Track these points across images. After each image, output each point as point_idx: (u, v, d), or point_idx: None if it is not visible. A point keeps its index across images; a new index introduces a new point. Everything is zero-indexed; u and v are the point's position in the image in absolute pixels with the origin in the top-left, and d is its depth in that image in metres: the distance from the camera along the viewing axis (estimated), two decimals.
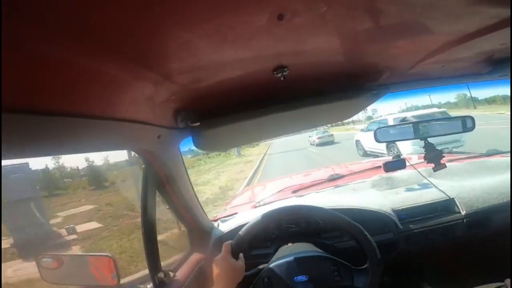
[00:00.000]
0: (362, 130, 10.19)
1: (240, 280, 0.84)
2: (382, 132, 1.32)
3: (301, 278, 0.87)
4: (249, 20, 0.44)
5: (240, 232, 0.91)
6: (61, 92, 0.43)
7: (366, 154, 9.42)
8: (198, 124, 0.86)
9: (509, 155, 1.47)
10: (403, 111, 9.58)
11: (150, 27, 0.39)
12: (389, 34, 0.62)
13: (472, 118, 1.27)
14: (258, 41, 0.52)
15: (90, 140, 0.56)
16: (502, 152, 1.57)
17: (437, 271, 1.04)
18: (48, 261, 0.92)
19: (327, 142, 17.36)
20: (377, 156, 8.26)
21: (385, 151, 8.09)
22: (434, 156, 1.26)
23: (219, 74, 0.66)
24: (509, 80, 1.08)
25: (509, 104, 8.67)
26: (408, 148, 6.85)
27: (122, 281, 0.98)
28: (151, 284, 0.92)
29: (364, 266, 0.87)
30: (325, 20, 0.49)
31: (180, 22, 0.40)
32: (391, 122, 7.79)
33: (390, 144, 7.58)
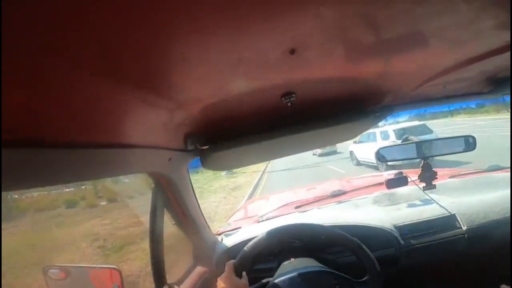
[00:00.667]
0: (354, 142, 10.52)
1: None
2: (386, 152, 1.35)
3: None
4: (263, 54, 0.47)
5: (243, 250, 0.94)
6: (75, 124, 0.43)
7: (359, 164, 10.12)
8: (207, 147, 0.90)
9: (509, 171, 1.49)
10: (383, 124, 10.03)
11: (167, 61, 0.41)
12: (393, 59, 0.65)
13: (473, 138, 1.29)
14: (270, 72, 0.55)
15: (104, 168, 0.56)
16: (503, 168, 1.59)
17: (438, 286, 1.04)
18: (55, 272, 0.93)
19: (330, 152, 17.21)
20: (369, 166, 9.21)
21: (374, 161, 8.40)
22: (428, 176, 1.30)
23: (229, 101, 0.69)
24: (510, 97, 1.11)
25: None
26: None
27: None
28: None
29: (364, 279, 0.89)
30: (334, 51, 0.52)
31: (195, 56, 0.42)
32: (388, 136, 8.29)
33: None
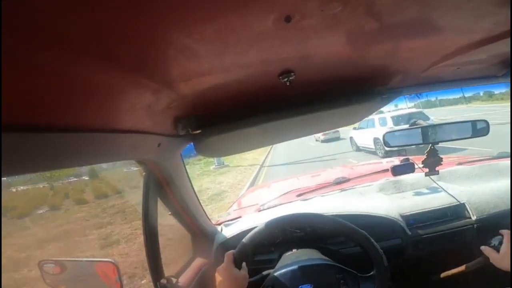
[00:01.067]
0: (354, 128, 10.75)
1: None
2: (391, 136, 1.29)
3: (306, 286, 0.85)
4: (254, 23, 0.41)
5: (243, 241, 0.90)
6: (55, 106, 0.41)
7: (358, 149, 10.38)
8: (199, 131, 0.84)
9: None
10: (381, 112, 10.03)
11: (146, 33, 0.37)
12: (404, 36, 0.59)
13: (486, 122, 1.22)
14: (263, 45, 0.49)
15: (88, 153, 0.54)
16: None
17: (445, 278, 1.00)
18: (50, 266, 0.92)
19: (333, 138, 16.94)
20: (368, 152, 9.40)
21: (373, 146, 8.84)
22: (432, 162, 1.24)
23: (221, 80, 0.64)
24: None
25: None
26: None
27: None
28: None
29: (371, 274, 0.85)
30: (336, 21, 0.46)
31: (178, 27, 0.38)
32: (386, 122, 8.46)
33: (377, 140, 8.40)
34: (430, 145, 1.21)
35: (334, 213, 1.12)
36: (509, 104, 10.56)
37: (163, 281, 0.92)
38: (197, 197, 1.19)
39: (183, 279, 1.00)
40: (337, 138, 16.80)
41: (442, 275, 0.98)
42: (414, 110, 9.75)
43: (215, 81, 0.63)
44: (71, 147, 0.48)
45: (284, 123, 0.90)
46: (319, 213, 1.03)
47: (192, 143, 0.95)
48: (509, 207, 1.09)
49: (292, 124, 0.94)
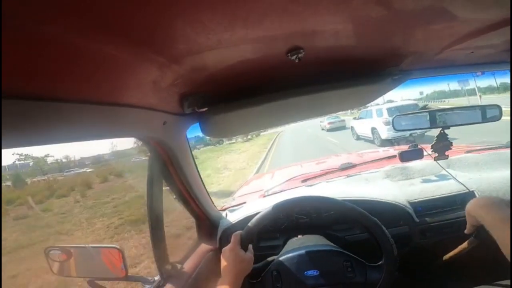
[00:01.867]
0: (354, 118, 12.00)
1: (249, 272, 0.82)
2: (399, 121, 1.25)
3: (312, 272, 0.84)
4: None
5: (250, 223, 0.88)
6: (60, 76, 0.41)
7: (358, 138, 11.10)
8: (205, 109, 0.81)
9: None
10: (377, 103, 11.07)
11: (153, 4, 0.35)
12: (418, 17, 0.56)
13: (498, 107, 1.17)
14: (272, 19, 0.48)
15: (92, 126, 0.54)
16: None
17: (450, 265, 0.99)
18: (57, 253, 0.93)
19: (338, 127, 17.26)
20: (367, 140, 10.10)
21: (371, 135, 9.65)
22: (441, 146, 1.20)
23: (228, 56, 0.61)
24: None
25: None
26: (384, 133, 8.67)
27: None
28: (158, 276, 0.92)
29: (379, 263, 0.83)
30: None
31: (186, 1, 0.36)
32: (382, 114, 9.05)
33: (374, 129, 9.34)
34: (440, 129, 1.17)
35: (340, 198, 1.10)
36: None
37: (168, 266, 0.93)
38: (202, 181, 1.17)
39: (187, 265, 1.00)
40: (343, 127, 16.97)
41: (445, 257, 0.97)
42: (409, 102, 10.36)
43: (222, 56, 0.61)
44: (72, 119, 0.47)
45: (292, 102, 0.87)
46: (328, 196, 1.00)
47: (198, 124, 0.93)
48: None
49: (300, 104, 0.91)
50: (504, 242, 0.62)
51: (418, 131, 7.31)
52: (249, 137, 27.92)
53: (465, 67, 1.03)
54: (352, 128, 12.01)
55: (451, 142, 1.16)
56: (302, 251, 0.89)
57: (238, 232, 0.87)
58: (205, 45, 0.53)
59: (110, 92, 0.53)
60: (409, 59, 0.84)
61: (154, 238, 0.91)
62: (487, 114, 1.19)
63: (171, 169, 0.96)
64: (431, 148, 1.20)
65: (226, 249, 0.83)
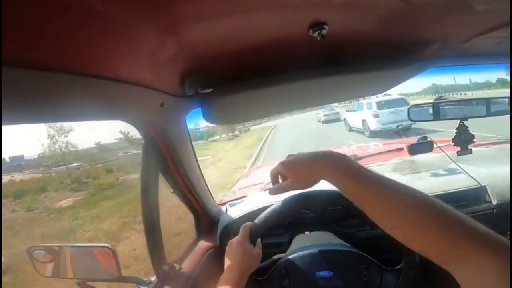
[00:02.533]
0: (347, 110, 12.95)
1: (254, 269, 0.74)
2: (415, 112, 1.20)
3: (325, 273, 0.78)
4: None
5: (261, 216, 0.80)
6: (35, 40, 0.33)
7: (351, 129, 11.79)
8: (209, 90, 0.72)
9: None
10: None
11: None
12: (446, 3, 0.53)
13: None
14: None
15: (79, 101, 0.44)
16: None
17: None
18: (41, 253, 0.84)
19: (333, 119, 18.05)
20: (358, 132, 10.77)
21: (361, 127, 10.40)
22: (463, 140, 1.14)
23: (241, 27, 0.53)
24: None
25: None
26: (373, 124, 9.48)
27: None
28: (155, 277, 0.85)
29: (398, 267, 0.77)
30: None
31: None
32: (372, 107, 9.78)
33: (364, 121, 10.04)
34: (459, 121, 1.10)
35: None
36: None
37: (165, 267, 0.86)
38: (201, 172, 1.09)
39: (186, 265, 0.92)
40: (338, 119, 17.47)
41: None
42: (396, 96, 10.58)
43: (233, 27, 0.53)
44: (46, 90, 0.38)
45: (309, 85, 0.80)
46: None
47: (200, 108, 0.84)
48: None
49: (317, 88, 0.85)
50: None
51: (404, 123, 8.65)
52: (236, 132, 24.90)
53: (490, 57, 0.98)
54: (345, 120, 12.79)
55: (473, 135, 1.10)
56: (315, 250, 0.83)
57: (248, 223, 0.78)
58: (212, 13, 0.44)
59: (99, 61, 0.43)
60: (434, 46, 0.79)
61: (150, 236, 0.83)
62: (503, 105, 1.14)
63: (169, 160, 0.86)
64: (453, 141, 1.14)
65: (233, 241, 0.75)
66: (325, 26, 0.54)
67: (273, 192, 0.66)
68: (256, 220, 0.79)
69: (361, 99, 10.92)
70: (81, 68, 0.41)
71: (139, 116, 0.69)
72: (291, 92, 0.85)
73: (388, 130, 8.93)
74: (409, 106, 1.22)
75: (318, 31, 0.54)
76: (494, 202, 1.04)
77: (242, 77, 0.76)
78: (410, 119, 1.20)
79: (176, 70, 0.65)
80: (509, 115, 1.10)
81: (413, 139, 1.38)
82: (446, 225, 0.41)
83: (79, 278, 0.85)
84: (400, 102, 9.56)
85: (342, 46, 0.71)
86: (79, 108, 0.46)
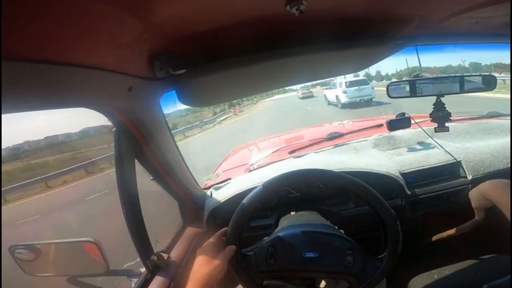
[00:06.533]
0: (326, 88, 16.74)
1: (219, 277, 0.70)
2: (394, 89, 1.21)
3: (310, 254, 0.77)
4: None
5: (244, 201, 0.78)
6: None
7: (329, 104, 14.90)
8: (182, 72, 0.68)
9: (509, 117, 1.42)
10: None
11: None
12: None
13: (493, 77, 1.15)
14: None
15: (36, 89, 0.42)
16: (502, 115, 1.51)
17: (436, 240, 1.00)
18: (23, 252, 0.82)
19: (309, 96, 24.16)
20: (334, 105, 13.81)
21: (335, 101, 13.46)
22: (441, 116, 1.16)
23: (212, 5, 0.50)
24: None
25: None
26: (342, 98, 12.44)
27: None
28: (144, 269, 0.86)
29: (381, 256, 0.78)
30: None
31: None
32: (342, 86, 12.64)
33: (338, 97, 12.99)
34: (436, 97, 1.12)
35: (336, 170, 1.04)
36: None
37: (153, 257, 0.86)
38: (181, 157, 1.05)
39: (175, 254, 0.94)
40: (312, 96, 23.70)
41: (434, 238, 0.97)
42: (359, 78, 13.54)
43: (202, 4, 0.49)
44: (8, 80, 0.36)
45: (287, 63, 0.78)
46: (325, 169, 0.91)
47: (174, 90, 0.81)
48: (503, 167, 1.08)
49: (296, 66, 0.83)
50: None
51: (365, 98, 11.97)
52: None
53: (469, 37, 0.98)
54: (325, 96, 16.15)
55: (450, 113, 1.12)
56: (307, 229, 0.82)
57: (223, 229, 0.79)
58: None
59: (53, 45, 0.40)
60: (413, 24, 0.78)
61: (132, 227, 0.80)
62: (486, 80, 1.16)
63: (144, 145, 0.82)
64: (430, 116, 1.16)
65: (200, 250, 0.73)
66: (303, 1, 0.51)
67: None
68: (238, 208, 0.78)
69: (334, 79, 14.01)
70: (34, 55, 0.38)
71: (106, 102, 0.64)
72: (269, 71, 0.82)
73: (354, 102, 11.98)
74: (388, 84, 1.22)
75: (296, 7, 0.51)
76: (469, 177, 1.08)
77: (217, 57, 0.72)
78: (389, 96, 1.20)
79: (142, 51, 0.60)
80: (481, 92, 1.14)
81: (392, 116, 1.41)
82: None
83: (67, 274, 0.85)
84: (363, 82, 12.74)
85: (320, 24, 0.68)
86: (38, 96, 0.44)
